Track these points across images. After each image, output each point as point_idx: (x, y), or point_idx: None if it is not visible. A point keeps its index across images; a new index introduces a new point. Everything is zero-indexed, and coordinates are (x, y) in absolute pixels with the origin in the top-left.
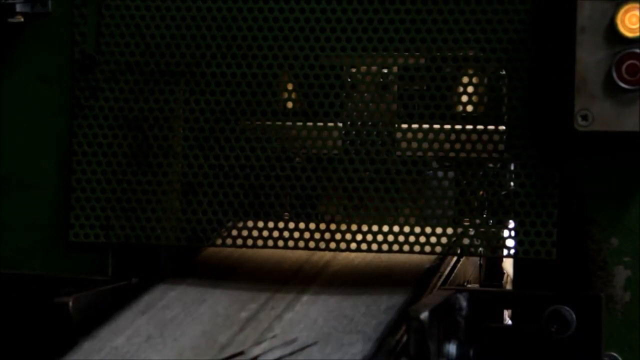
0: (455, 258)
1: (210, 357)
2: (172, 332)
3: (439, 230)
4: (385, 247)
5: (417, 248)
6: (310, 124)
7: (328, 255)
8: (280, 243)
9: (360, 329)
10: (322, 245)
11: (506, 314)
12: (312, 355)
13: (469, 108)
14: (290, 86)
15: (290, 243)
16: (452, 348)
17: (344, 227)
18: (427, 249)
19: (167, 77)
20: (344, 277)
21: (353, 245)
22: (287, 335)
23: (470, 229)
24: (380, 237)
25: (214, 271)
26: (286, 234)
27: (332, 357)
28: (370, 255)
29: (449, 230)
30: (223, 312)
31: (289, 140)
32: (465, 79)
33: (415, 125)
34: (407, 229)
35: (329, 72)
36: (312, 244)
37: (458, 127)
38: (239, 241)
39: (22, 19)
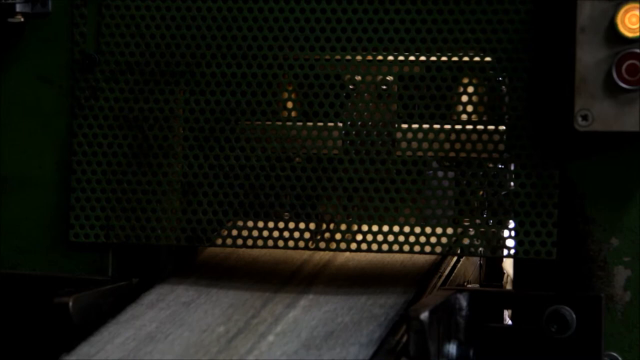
0: (455, 258)
1: (210, 357)
2: (172, 332)
3: (439, 230)
4: (385, 247)
5: (417, 248)
6: (310, 124)
7: (328, 255)
8: (280, 243)
9: (360, 329)
10: (322, 245)
11: (506, 314)
12: (312, 355)
13: (469, 108)
14: (290, 86)
15: (290, 243)
16: (452, 348)
17: (344, 227)
18: (427, 249)
19: (167, 77)
20: (344, 277)
21: (353, 246)
22: (287, 336)
23: (470, 229)
24: (380, 237)
25: (214, 271)
26: (286, 234)
27: (331, 357)
28: (370, 255)
29: (449, 230)
30: (223, 313)
31: (289, 140)
32: (466, 80)
33: (415, 125)
34: (407, 229)
35: (329, 73)
36: (312, 244)
37: (458, 127)
38: (239, 241)
39: (22, 19)
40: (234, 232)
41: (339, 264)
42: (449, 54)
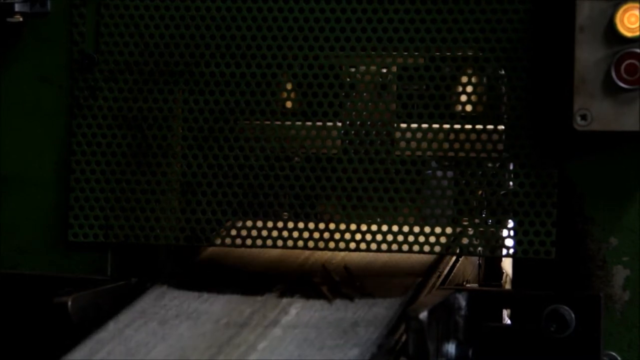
0: (454, 258)
1: (208, 357)
2: (170, 332)
3: (438, 230)
4: (384, 246)
5: (416, 248)
6: (309, 123)
7: (327, 255)
8: (279, 243)
9: (359, 329)
10: (321, 245)
11: (505, 313)
12: (311, 355)
13: (468, 108)
14: (289, 86)
15: (289, 243)
16: (451, 348)
17: (343, 226)
18: (426, 248)
19: (166, 76)
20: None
21: (352, 245)
22: (285, 336)
23: (470, 229)
24: (379, 237)
25: (213, 271)
26: (285, 233)
27: (331, 357)
28: (369, 255)
29: (448, 230)
30: (222, 312)
31: (288, 140)
32: (465, 79)
33: (414, 125)
34: (406, 228)
35: (328, 72)
36: (311, 244)
37: (457, 126)
38: (238, 241)
39: (20, 19)
40: (233, 232)
41: (337, 264)
42: (448, 53)
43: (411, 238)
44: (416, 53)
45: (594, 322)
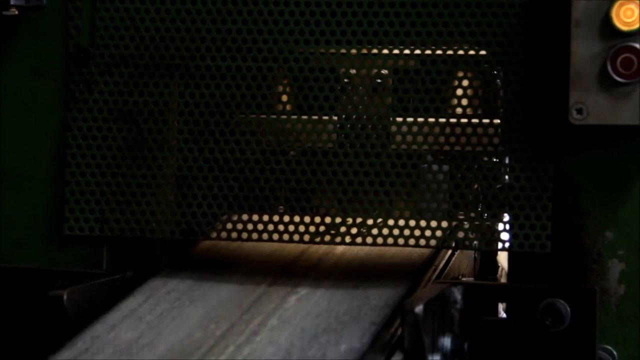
0: (450, 251)
1: (203, 352)
2: (166, 326)
3: (433, 223)
4: (380, 240)
5: (411, 241)
6: (304, 117)
7: (323, 248)
8: (275, 236)
9: (355, 323)
10: (317, 238)
11: (501, 307)
12: (307, 349)
13: (464, 102)
14: (285, 80)
15: (285, 236)
16: (446, 341)
17: (338, 220)
18: (422, 242)
19: (162, 70)
20: (339, 271)
21: (348, 239)
22: (281, 330)
23: (465, 223)
24: (375, 231)
25: (209, 265)
26: (281, 227)
27: (326, 352)
28: (365, 249)
29: (444, 224)
30: (217, 306)
31: (284, 133)
32: (460, 73)
33: (410, 119)
34: (401, 222)
35: (323, 66)
36: (306, 238)
37: (453, 120)
38: (234, 234)
39: (16, 12)
40: (229, 226)
41: (333, 258)
42: (444, 47)
43: (407, 232)
44: (412, 47)
45: (590, 316)
